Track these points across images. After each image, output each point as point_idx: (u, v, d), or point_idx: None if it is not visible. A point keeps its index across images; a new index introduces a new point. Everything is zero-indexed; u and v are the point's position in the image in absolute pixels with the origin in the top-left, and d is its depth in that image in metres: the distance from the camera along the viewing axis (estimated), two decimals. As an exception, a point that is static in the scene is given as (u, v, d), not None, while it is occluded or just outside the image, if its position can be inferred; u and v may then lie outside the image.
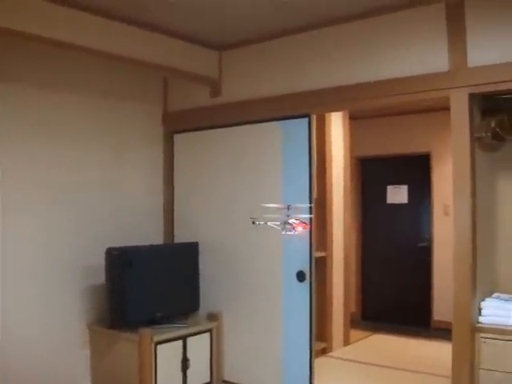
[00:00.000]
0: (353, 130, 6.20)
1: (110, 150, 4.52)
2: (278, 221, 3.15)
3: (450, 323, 3.43)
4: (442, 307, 6.33)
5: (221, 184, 4.60)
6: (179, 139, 4.92)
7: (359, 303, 7.39)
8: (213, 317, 4.53)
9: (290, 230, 3.13)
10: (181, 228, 4.87)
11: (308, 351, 4.06)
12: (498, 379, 3.21)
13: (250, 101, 4.37)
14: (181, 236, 4.83)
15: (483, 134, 3.49)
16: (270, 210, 3.18)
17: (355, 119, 6.59)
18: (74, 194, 4.23)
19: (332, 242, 5.65)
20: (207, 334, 4.44)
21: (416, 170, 7.04)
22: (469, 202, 3.37)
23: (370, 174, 7.43)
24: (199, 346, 4.36)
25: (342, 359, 5.42)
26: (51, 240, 4.08)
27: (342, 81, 3.90)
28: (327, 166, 5.58)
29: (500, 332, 3.25)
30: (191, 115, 4.79)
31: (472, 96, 3.37)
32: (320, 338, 5.35)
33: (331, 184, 5.63)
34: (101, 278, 4.16)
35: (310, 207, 3.87)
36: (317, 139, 4.90)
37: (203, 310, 4.59)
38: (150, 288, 4.21)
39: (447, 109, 3.46)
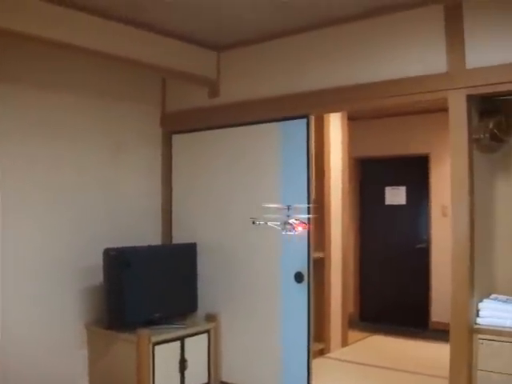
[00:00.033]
0: (351, 131, 6.20)
1: (108, 151, 4.52)
2: (277, 221, 3.15)
3: (448, 324, 3.43)
4: (440, 308, 6.33)
5: (219, 185, 4.60)
6: (177, 140, 4.92)
7: (357, 304, 7.38)
8: (211, 317, 4.53)
9: (290, 230, 3.13)
10: (179, 229, 4.87)
11: (306, 352, 4.05)
12: (496, 380, 3.21)
13: (248, 101, 4.37)
14: (179, 237, 4.82)
15: (481, 136, 3.49)
16: (269, 211, 3.18)
17: (354, 120, 6.59)
18: (72, 195, 4.23)
19: (330, 242, 5.65)
20: (205, 335, 4.43)
21: (414, 171, 7.04)
22: (467, 203, 3.37)
23: (369, 174, 7.43)
24: (197, 347, 4.36)
25: (340, 360, 5.42)
26: (49, 240, 4.08)
27: (340, 81, 3.90)
28: (325, 166, 5.58)
29: (497, 333, 3.25)
30: (189, 116, 4.78)
31: (470, 97, 3.38)
32: (318, 338, 5.35)
33: (329, 185, 5.63)
34: (99, 278, 4.16)
35: (309, 208, 3.87)
36: (315, 140, 4.90)
37: (201, 310, 4.59)
38: (147, 289, 4.21)
39: (446, 110, 3.47)
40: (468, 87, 3.34)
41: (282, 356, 4.18)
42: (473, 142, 3.47)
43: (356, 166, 7.35)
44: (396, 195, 7.14)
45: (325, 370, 4.98)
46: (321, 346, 5.50)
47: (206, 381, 4.43)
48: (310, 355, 4.07)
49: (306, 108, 4.07)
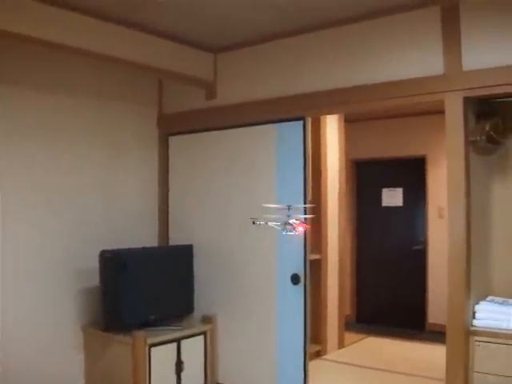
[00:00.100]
0: (348, 133, 6.20)
1: (105, 153, 4.51)
2: (277, 221, 3.15)
3: (444, 326, 3.43)
4: (437, 310, 6.34)
5: (216, 186, 4.59)
6: (174, 141, 4.91)
7: (354, 306, 7.39)
8: (207, 319, 4.52)
9: (290, 231, 3.13)
10: (176, 230, 4.86)
11: (302, 354, 4.05)
12: (492, 383, 3.21)
13: (244, 103, 4.37)
14: (175, 238, 4.82)
15: (478, 138, 3.50)
16: (269, 211, 3.18)
17: (350, 122, 6.59)
18: (69, 196, 4.22)
19: (327, 244, 5.64)
20: (201, 337, 4.42)
21: (411, 173, 7.05)
22: (463, 205, 3.37)
23: (365, 176, 7.44)
24: (193, 349, 4.35)
25: (336, 362, 5.42)
26: (46, 242, 4.07)
27: (336, 83, 3.90)
28: (322, 168, 5.58)
29: (494, 335, 3.26)
30: (186, 117, 4.78)
31: (467, 99, 3.38)
32: (314, 340, 5.35)
33: (326, 187, 5.63)
34: (95, 280, 4.15)
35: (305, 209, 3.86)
36: (312, 142, 4.90)
37: (198, 312, 4.58)
38: (144, 290, 4.20)
39: (442, 112, 3.47)
40: (465, 89, 3.35)
41: (278, 358, 4.17)
42: (469, 144, 3.47)
43: (353, 167, 7.36)
44: (393, 197, 7.15)
45: (321, 371, 4.97)
46: (317, 348, 5.49)
47: (202, 383, 4.42)
48: (307, 357, 4.06)
49: (301, 110, 4.07)
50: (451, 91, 3.39)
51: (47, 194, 4.08)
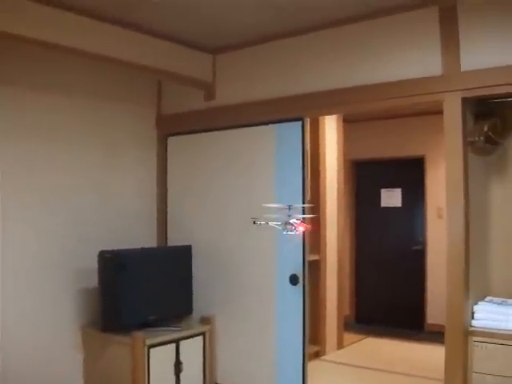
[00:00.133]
0: (347, 133, 6.20)
1: (101, 153, 4.50)
2: (278, 221, 3.15)
3: (443, 326, 3.43)
4: (436, 310, 6.33)
5: (214, 187, 4.59)
6: (173, 142, 4.91)
7: (353, 306, 7.39)
8: (206, 320, 4.52)
9: (291, 230, 3.13)
10: (174, 231, 4.86)
11: (301, 354, 4.05)
12: (490, 383, 3.21)
13: (243, 104, 4.37)
14: (174, 239, 4.82)
15: (476, 138, 3.50)
16: (269, 211, 3.18)
17: (349, 122, 6.60)
18: (67, 197, 4.22)
19: (326, 245, 5.65)
20: (200, 338, 4.42)
21: (410, 174, 7.06)
22: (462, 205, 3.37)
23: (364, 177, 7.44)
24: (192, 350, 4.34)
25: (335, 362, 5.42)
26: (44, 242, 4.06)
27: (335, 84, 3.90)
28: (321, 168, 5.58)
29: (492, 336, 3.26)
30: (185, 118, 4.78)
31: (465, 100, 3.38)
32: (313, 341, 5.35)
33: (325, 187, 5.63)
34: (94, 280, 4.14)
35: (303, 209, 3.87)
36: (311, 142, 4.91)
37: (196, 313, 4.58)
38: (143, 291, 4.20)
39: (441, 112, 3.47)
40: (463, 90, 3.35)
41: (277, 358, 4.17)
42: (468, 144, 3.48)
43: (351, 168, 7.36)
44: (391, 197, 7.15)
45: (320, 372, 4.98)
46: (316, 349, 5.49)
47: (201, 383, 4.41)
48: (306, 357, 4.06)
49: (300, 110, 4.07)
50: (449, 91, 3.39)
51: (45, 195, 4.07)
